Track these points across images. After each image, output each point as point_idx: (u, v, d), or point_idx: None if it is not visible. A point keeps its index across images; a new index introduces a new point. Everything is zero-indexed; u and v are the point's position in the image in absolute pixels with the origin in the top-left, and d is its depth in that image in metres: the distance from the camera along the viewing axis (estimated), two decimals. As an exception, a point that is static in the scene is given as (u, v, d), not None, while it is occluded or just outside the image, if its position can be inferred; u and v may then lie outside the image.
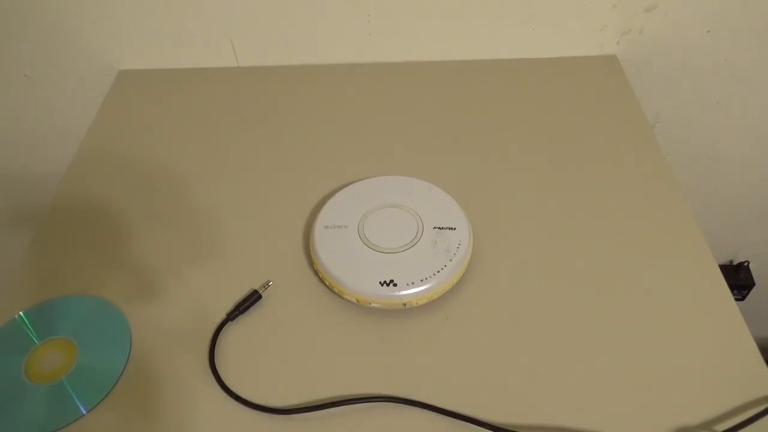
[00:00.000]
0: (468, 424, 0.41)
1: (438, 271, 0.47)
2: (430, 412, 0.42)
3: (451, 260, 0.47)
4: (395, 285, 0.46)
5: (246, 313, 0.48)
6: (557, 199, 0.56)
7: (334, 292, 0.48)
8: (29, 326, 0.47)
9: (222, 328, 0.47)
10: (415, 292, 0.46)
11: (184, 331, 0.47)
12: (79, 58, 0.72)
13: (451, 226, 0.50)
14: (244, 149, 0.62)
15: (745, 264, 0.99)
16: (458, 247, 0.48)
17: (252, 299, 0.48)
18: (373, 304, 0.46)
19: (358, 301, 0.47)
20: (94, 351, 0.46)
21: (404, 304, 0.46)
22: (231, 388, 0.43)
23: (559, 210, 0.55)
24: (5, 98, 0.77)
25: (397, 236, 0.49)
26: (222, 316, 0.48)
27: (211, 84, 0.71)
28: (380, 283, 0.46)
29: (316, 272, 0.50)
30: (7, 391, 0.43)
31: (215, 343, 0.46)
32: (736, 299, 1.00)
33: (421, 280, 0.46)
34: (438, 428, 0.41)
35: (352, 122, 0.65)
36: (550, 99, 0.66)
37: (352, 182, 0.55)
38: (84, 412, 0.42)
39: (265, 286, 0.49)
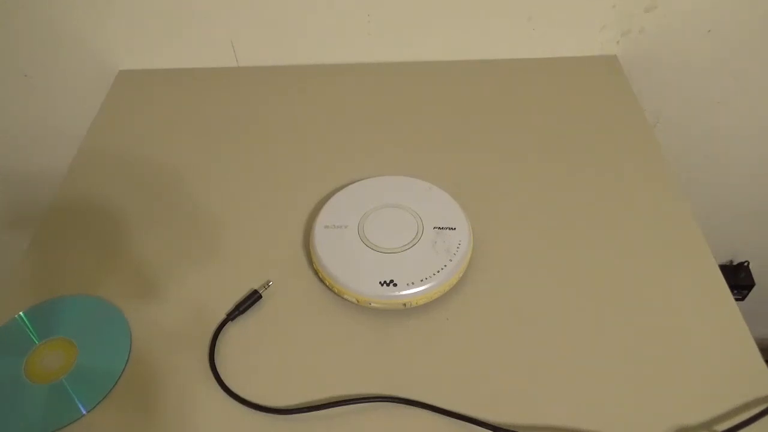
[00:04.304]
0: (468, 424, 0.41)
1: (438, 271, 0.47)
2: (430, 412, 0.42)
3: (451, 260, 0.47)
4: (395, 285, 0.46)
5: (246, 313, 0.48)
6: (557, 199, 0.56)
7: (334, 292, 0.48)
8: (29, 326, 0.47)
9: (222, 328, 0.47)
10: (415, 292, 0.46)
11: (184, 331, 0.47)
12: (79, 58, 0.72)
13: (451, 226, 0.50)
14: (243, 149, 0.62)
15: (745, 264, 0.99)
16: (458, 247, 0.48)
17: (252, 299, 0.48)
18: (373, 304, 0.46)
19: (358, 301, 0.47)
20: (94, 351, 0.46)
21: (404, 304, 0.46)
22: (231, 388, 0.43)
23: (559, 210, 0.55)
24: (5, 98, 0.77)
25: (397, 236, 0.49)
26: (222, 316, 0.48)
27: (211, 84, 0.71)
28: (380, 283, 0.46)
29: (316, 272, 0.50)
30: (7, 391, 0.43)
31: (215, 343, 0.46)
32: (736, 299, 1.00)
33: (421, 280, 0.46)
34: (438, 428, 0.41)
35: (352, 122, 0.65)
36: (550, 99, 0.66)
37: (352, 182, 0.55)
38: (84, 412, 0.42)
39: (265, 286, 0.49)
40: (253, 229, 0.54)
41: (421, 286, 0.46)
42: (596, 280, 0.49)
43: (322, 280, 0.49)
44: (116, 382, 0.44)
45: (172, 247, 0.53)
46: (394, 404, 0.42)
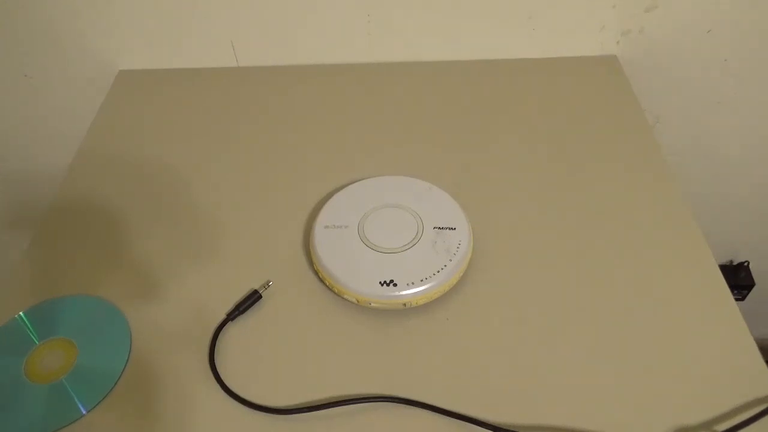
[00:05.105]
0: (468, 424, 0.41)
1: (438, 271, 0.47)
2: (430, 412, 0.42)
3: (451, 260, 0.47)
4: (395, 285, 0.46)
5: (246, 313, 0.48)
6: (557, 199, 0.56)
7: (334, 292, 0.48)
8: (29, 326, 0.47)
9: (222, 328, 0.47)
10: (415, 292, 0.46)
11: (184, 331, 0.47)
12: (79, 58, 0.72)
13: (451, 226, 0.50)
14: (243, 149, 0.62)
15: (745, 264, 0.99)
16: (458, 247, 0.48)
17: (252, 299, 0.48)
18: (373, 304, 0.46)
19: (358, 301, 0.47)
20: (94, 351, 0.46)
21: (404, 304, 0.46)
22: (231, 388, 0.43)
23: (559, 210, 0.55)
24: (5, 98, 0.77)
25: (397, 236, 0.49)
26: (222, 316, 0.48)
27: (211, 84, 0.71)
28: (380, 283, 0.46)
29: (316, 272, 0.50)
30: (7, 391, 0.43)
31: (215, 343, 0.46)
32: (736, 299, 1.00)
33: (421, 280, 0.46)
34: (438, 428, 0.41)
35: (352, 122, 0.65)
36: (550, 99, 0.66)
37: (352, 182, 0.55)
38: (84, 412, 0.42)
39: (265, 286, 0.49)
40: (253, 229, 0.54)
41: (421, 286, 0.46)
42: (596, 279, 0.49)
43: (322, 280, 0.49)
44: (116, 382, 0.44)
45: (172, 247, 0.53)
46: (394, 404, 0.42)
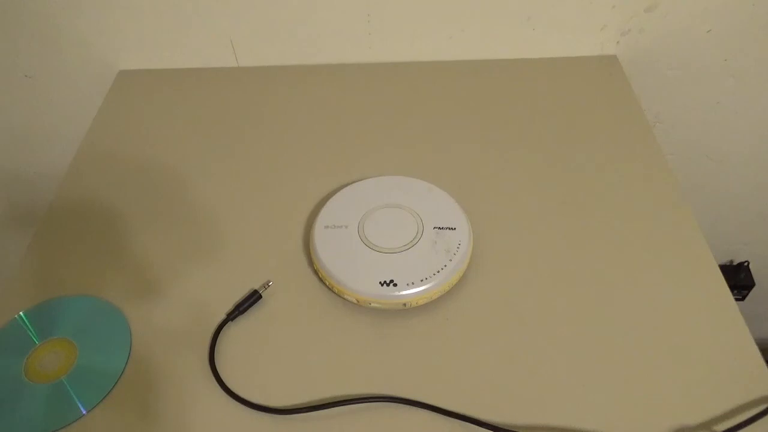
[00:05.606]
0: (468, 424, 0.41)
1: (438, 271, 0.47)
2: (430, 412, 0.42)
3: (451, 260, 0.47)
4: (395, 285, 0.46)
5: (246, 313, 0.48)
6: (557, 199, 0.56)
7: (334, 292, 0.48)
8: (29, 326, 0.47)
9: (222, 328, 0.47)
10: (415, 292, 0.46)
11: (184, 331, 0.47)
12: (79, 58, 0.72)
13: (451, 226, 0.50)
14: (243, 149, 0.62)
15: (745, 264, 0.99)
16: (458, 247, 0.48)
17: (252, 299, 0.48)
18: (373, 304, 0.46)
19: (358, 301, 0.47)
20: (94, 351, 0.46)
21: (404, 304, 0.46)
22: (231, 388, 0.43)
23: (559, 210, 0.55)
24: (5, 98, 0.77)
25: (397, 236, 0.49)
26: (222, 316, 0.48)
27: (211, 84, 0.71)
28: (380, 283, 0.46)
29: (316, 272, 0.50)
30: (7, 391, 0.43)
31: (215, 343, 0.46)
32: (736, 299, 1.00)
33: (421, 280, 0.46)
34: (438, 428, 0.41)
35: (352, 122, 0.65)
36: (550, 99, 0.66)
37: (352, 182, 0.55)
38: (84, 412, 0.42)
39: (265, 286, 0.49)
40: (253, 229, 0.54)
41: (421, 286, 0.46)
42: (596, 280, 0.49)
43: (322, 280, 0.49)
44: (116, 382, 0.44)
45: (173, 247, 0.53)
46: (394, 404, 0.42)
